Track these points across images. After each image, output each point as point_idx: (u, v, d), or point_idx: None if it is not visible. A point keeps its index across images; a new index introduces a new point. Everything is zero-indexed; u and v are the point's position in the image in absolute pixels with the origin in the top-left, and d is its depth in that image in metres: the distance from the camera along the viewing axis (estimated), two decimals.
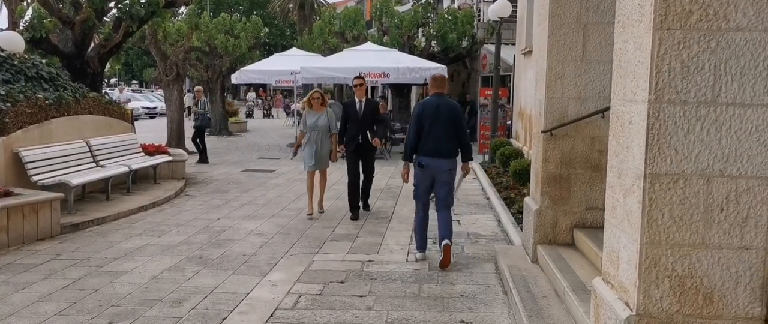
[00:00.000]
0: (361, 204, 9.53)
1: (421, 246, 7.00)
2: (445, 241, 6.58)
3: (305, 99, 9.45)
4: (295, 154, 10.46)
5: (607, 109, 5.49)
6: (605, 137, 5.74)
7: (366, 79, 15.77)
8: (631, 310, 3.35)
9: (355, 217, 9.16)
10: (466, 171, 7.09)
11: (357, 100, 9.33)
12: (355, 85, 9.33)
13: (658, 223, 3.26)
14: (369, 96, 10.09)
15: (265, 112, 40.44)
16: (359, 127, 9.19)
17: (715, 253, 3.25)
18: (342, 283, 6.10)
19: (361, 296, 5.71)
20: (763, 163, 3.19)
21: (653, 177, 3.23)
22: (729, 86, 3.18)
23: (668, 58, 3.17)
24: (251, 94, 45.62)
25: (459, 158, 6.83)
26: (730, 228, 3.23)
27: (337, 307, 5.42)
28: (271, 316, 5.22)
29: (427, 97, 7.01)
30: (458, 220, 8.98)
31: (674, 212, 3.25)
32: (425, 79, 17.71)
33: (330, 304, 5.52)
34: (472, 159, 7.05)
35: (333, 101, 24.29)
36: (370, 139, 9.26)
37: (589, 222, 6.16)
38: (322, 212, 9.50)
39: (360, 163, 9.33)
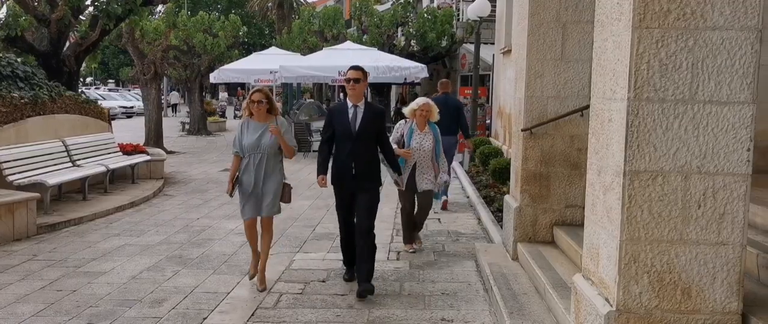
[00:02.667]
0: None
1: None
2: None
3: (244, 108, 5.93)
4: (232, 193, 5.92)
5: (586, 107, 5.54)
6: (584, 135, 5.79)
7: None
8: (611, 306, 3.39)
9: (349, 277, 6.08)
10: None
11: (350, 104, 5.71)
12: (349, 81, 5.71)
13: (637, 220, 3.30)
14: (367, 98, 6.18)
15: (235, 112, 37.46)
16: (353, 149, 5.66)
17: (692, 248, 3.30)
18: (323, 281, 6.09)
19: (342, 295, 5.70)
20: (739, 160, 3.24)
21: (633, 174, 3.27)
22: (706, 84, 3.22)
23: (647, 56, 3.22)
24: (223, 94, 45.04)
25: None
26: (708, 224, 3.28)
27: (319, 305, 5.42)
28: (253, 315, 5.20)
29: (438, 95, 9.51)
30: (439, 219, 9.01)
31: (653, 209, 3.29)
32: (405, 78, 17.75)
33: (311, 302, 5.51)
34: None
35: (311, 100, 24.23)
36: (365, 168, 5.72)
37: (568, 220, 6.21)
38: (263, 290, 5.81)
39: (356, 206, 5.80)
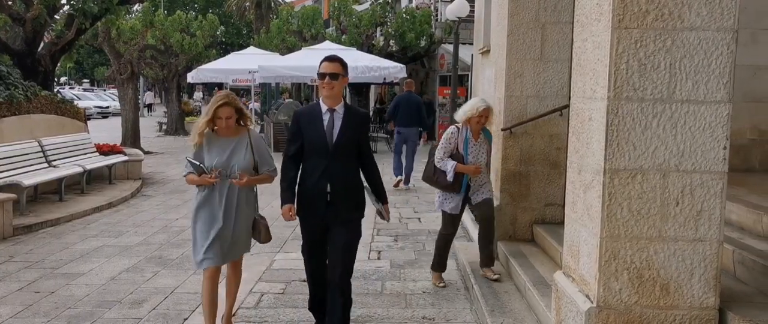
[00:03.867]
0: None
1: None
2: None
3: (205, 113, 4.40)
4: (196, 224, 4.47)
5: (566, 106, 5.62)
6: (563, 135, 5.87)
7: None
8: (592, 302, 3.44)
9: None
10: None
11: (325, 108, 4.31)
12: (324, 77, 4.26)
13: (617, 217, 3.35)
14: (346, 101, 4.60)
15: None
16: (329, 168, 4.28)
17: (671, 245, 3.36)
18: (304, 281, 6.06)
19: None
20: (716, 158, 3.30)
21: (612, 172, 3.32)
22: (684, 84, 3.28)
23: (626, 56, 3.27)
24: (198, 94, 44.47)
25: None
26: (686, 221, 3.34)
27: (300, 305, 5.41)
28: (233, 315, 5.18)
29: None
30: (419, 218, 9.05)
31: (632, 206, 3.34)
32: (384, 78, 17.77)
33: (293, 302, 5.51)
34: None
35: (290, 100, 24.16)
36: (344, 193, 4.35)
37: (548, 218, 6.28)
38: None
39: (329, 244, 4.41)
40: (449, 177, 5.57)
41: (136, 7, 21.58)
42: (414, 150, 11.89)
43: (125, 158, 12.20)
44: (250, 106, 24.97)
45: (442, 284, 5.92)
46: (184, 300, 5.55)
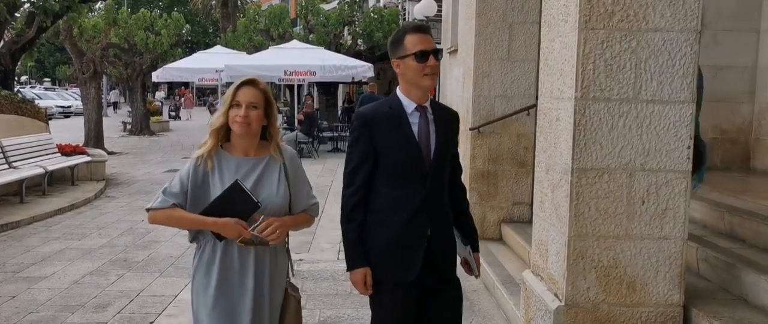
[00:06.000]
0: None
1: None
2: None
3: (216, 118, 2.79)
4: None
5: (533, 106, 5.66)
6: (531, 134, 5.92)
7: (292, 77, 15.50)
8: (560, 301, 3.46)
9: None
10: None
11: (411, 105, 2.83)
12: (424, 56, 2.72)
13: (584, 216, 3.38)
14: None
15: (170, 113, 34.02)
16: (428, 198, 2.81)
17: (637, 243, 3.40)
18: None
19: None
20: (680, 157, 3.36)
21: (580, 171, 3.35)
22: (649, 84, 3.33)
23: (593, 56, 3.30)
24: (160, 93, 43.73)
25: None
26: (651, 220, 3.39)
27: None
28: None
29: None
30: None
31: (600, 205, 3.38)
32: (352, 77, 17.75)
33: None
34: None
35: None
36: (447, 238, 2.94)
37: (516, 217, 6.32)
38: None
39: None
40: None
41: (99, 4, 21.21)
42: None
43: (88, 159, 11.97)
44: (217, 105, 24.76)
45: None
46: (150, 303, 5.46)
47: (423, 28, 2.84)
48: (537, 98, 4.24)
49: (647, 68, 3.32)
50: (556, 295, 3.54)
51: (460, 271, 2.99)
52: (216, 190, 2.68)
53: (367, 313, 5.14)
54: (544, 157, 3.76)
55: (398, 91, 2.86)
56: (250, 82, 2.77)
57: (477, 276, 3.10)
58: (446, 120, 2.89)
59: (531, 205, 4.36)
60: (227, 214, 2.62)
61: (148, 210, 2.78)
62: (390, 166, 2.76)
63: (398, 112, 2.79)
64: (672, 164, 3.36)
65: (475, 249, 3.04)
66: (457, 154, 3.02)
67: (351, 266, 2.80)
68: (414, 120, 2.79)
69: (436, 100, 16.50)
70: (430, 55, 2.72)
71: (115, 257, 6.92)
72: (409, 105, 2.80)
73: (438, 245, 2.81)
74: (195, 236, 2.81)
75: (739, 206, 4.67)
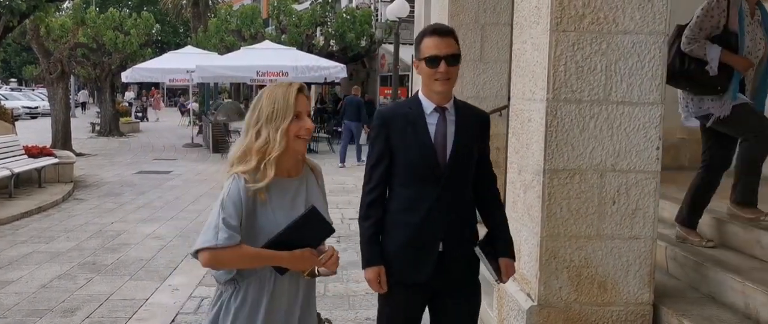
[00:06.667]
0: None
1: None
2: None
3: (264, 141, 2.31)
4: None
5: (505, 107, 5.70)
6: (503, 135, 5.94)
7: (265, 78, 15.44)
8: (533, 301, 3.49)
9: None
10: None
11: (430, 106, 2.81)
12: (436, 61, 2.72)
13: (556, 217, 3.41)
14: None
15: (137, 114, 32.71)
16: (442, 200, 2.76)
17: (608, 243, 3.45)
18: None
19: None
20: (650, 158, 3.41)
21: (552, 172, 3.38)
22: (619, 86, 3.37)
23: (564, 58, 3.33)
24: (129, 94, 43.05)
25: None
26: (622, 220, 3.43)
27: None
28: (173, 321, 5.06)
29: None
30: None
31: (571, 206, 3.41)
32: (325, 78, 17.70)
33: None
34: None
35: (229, 100, 23.82)
36: (461, 241, 2.84)
37: None
38: None
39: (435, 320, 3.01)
40: (713, 67, 3.87)
41: (67, 4, 20.83)
42: (358, 138, 15.40)
43: (56, 160, 11.76)
44: (189, 105, 24.52)
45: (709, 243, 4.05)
46: (120, 307, 5.38)
47: (442, 31, 2.78)
48: (509, 99, 4.27)
49: (617, 70, 3.36)
50: (528, 295, 3.57)
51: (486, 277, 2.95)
52: (267, 219, 2.31)
53: (339, 314, 5.14)
54: (517, 158, 3.79)
55: (420, 91, 2.85)
56: (303, 89, 2.40)
57: (503, 281, 2.99)
58: (471, 122, 2.81)
59: (504, 205, 4.39)
60: (296, 244, 2.30)
61: (202, 250, 2.24)
62: (404, 167, 2.76)
63: (417, 112, 2.78)
64: (642, 165, 3.41)
65: (511, 254, 2.91)
66: (488, 158, 2.90)
67: (366, 264, 2.80)
68: (432, 121, 2.76)
69: (407, 98, 16.49)
70: (441, 61, 2.70)
71: (84, 261, 6.81)
72: (428, 106, 2.78)
73: (452, 248, 2.78)
74: (234, 276, 2.36)
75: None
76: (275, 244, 2.28)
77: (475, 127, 2.83)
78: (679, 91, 4.15)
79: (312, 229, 2.33)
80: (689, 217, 4.12)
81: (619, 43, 3.35)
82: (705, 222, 4.42)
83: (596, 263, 3.45)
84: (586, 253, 3.44)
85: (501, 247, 2.87)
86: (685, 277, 3.94)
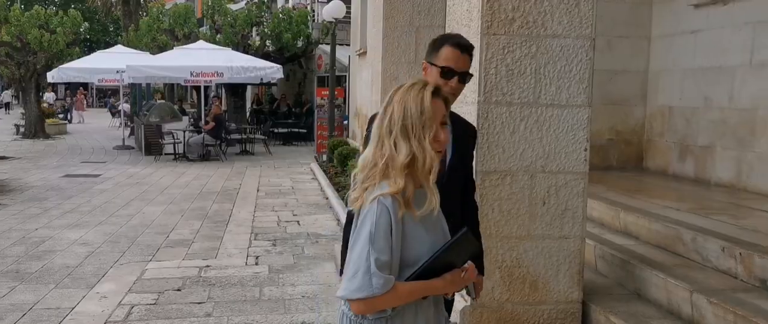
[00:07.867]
0: None
1: None
2: None
3: (408, 154, 1.95)
4: None
5: None
6: None
7: (199, 78, 15.18)
8: (466, 301, 3.52)
9: None
10: None
11: None
12: (451, 74, 2.74)
13: (488, 218, 3.46)
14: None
15: (58, 115, 30.49)
16: None
17: (539, 243, 3.51)
18: (178, 290, 5.85)
19: (199, 303, 5.51)
20: (578, 159, 3.49)
21: (484, 174, 3.43)
22: (548, 88, 3.44)
23: (495, 61, 3.38)
24: (50, 95, 41.44)
25: None
26: (552, 220, 3.51)
27: (174, 315, 5.19)
28: None
29: None
30: (298, 221, 8.96)
31: (503, 207, 3.46)
32: (261, 79, 17.51)
33: (166, 313, 5.27)
34: None
35: (163, 101, 23.26)
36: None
37: None
38: None
39: None
40: None
41: None
42: None
43: None
44: (120, 106, 23.83)
45: None
46: (45, 317, 5.17)
47: (464, 46, 2.72)
48: None
49: (546, 73, 3.43)
50: (461, 296, 3.60)
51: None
52: (414, 241, 2.02)
53: (275, 318, 5.08)
54: None
55: None
56: (439, 92, 2.07)
57: (475, 298, 2.68)
58: (463, 134, 2.78)
59: None
60: (445, 268, 2.06)
61: (355, 300, 1.96)
62: None
63: None
64: (570, 166, 3.49)
65: (480, 272, 2.60)
66: (471, 170, 2.93)
67: (432, 273, 2.39)
68: None
69: (344, 99, 16.44)
70: (455, 76, 2.64)
71: (6, 268, 6.51)
72: None
73: None
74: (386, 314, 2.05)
75: (632, 205, 4.91)
76: (429, 271, 2.06)
77: (467, 139, 2.82)
78: None
79: (461, 252, 2.13)
80: None
81: (547, 46, 3.42)
82: (631, 221, 4.57)
83: (527, 263, 3.51)
84: (518, 254, 3.50)
85: (477, 258, 2.67)
86: (612, 275, 4.06)
